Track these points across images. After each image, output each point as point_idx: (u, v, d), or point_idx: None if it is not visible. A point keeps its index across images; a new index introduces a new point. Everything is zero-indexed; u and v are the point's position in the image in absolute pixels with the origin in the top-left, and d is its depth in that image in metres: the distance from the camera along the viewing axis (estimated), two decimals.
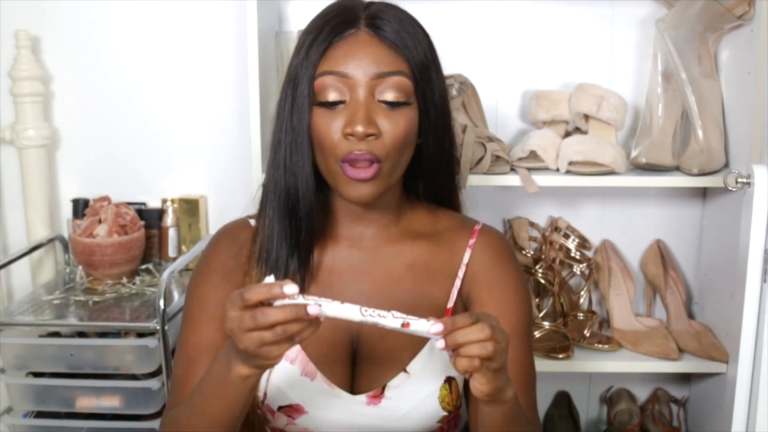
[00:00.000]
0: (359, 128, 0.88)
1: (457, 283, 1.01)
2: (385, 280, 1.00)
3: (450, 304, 1.01)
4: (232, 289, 0.99)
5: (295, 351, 0.98)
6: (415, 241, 1.02)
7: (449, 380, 0.97)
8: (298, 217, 0.95)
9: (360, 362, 0.98)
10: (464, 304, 1.02)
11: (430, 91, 0.95)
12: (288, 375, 0.97)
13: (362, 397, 0.96)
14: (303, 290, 0.99)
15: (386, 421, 0.96)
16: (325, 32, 0.91)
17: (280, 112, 0.95)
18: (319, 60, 0.91)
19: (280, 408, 0.98)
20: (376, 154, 0.90)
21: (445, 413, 0.97)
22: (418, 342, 0.97)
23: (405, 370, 0.96)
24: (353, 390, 0.98)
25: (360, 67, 0.90)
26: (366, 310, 0.78)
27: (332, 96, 0.90)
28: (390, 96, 0.91)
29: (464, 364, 0.75)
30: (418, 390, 0.96)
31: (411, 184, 1.03)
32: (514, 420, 0.85)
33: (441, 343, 0.76)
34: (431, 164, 1.00)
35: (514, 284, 1.01)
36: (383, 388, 0.96)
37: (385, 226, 1.01)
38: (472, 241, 1.02)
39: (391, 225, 1.02)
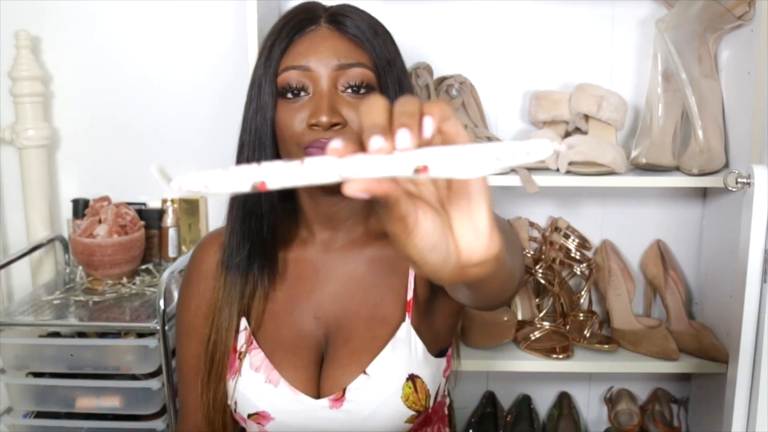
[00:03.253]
0: (323, 118, 0.88)
1: (411, 271, 1.01)
2: (350, 281, 1.01)
3: (409, 296, 1.00)
4: (208, 296, 1.03)
5: (260, 359, 0.99)
6: (379, 240, 1.02)
7: (412, 378, 0.96)
8: (259, 214, 0.96)
9: (325, 366, 0.99)
10: (424, 288, 1.01)
11: (396, 86, 0.95)
12: (253, 383, 0.98)
13: (324, 401, 0.96)
14: (270, 291, 1.01)
15: (350, 425, 0.96)
16: (286, 30, 0.92)
17: (245, 116, 0.96)
18: (281, 57, 0.92)
19: (249, 416, 0.99)
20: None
21: (413, 413, 0.96)
22: (379, 343, 0.97)
23: (365, 372, 0.96)
24: (320, 395, 0.98)
25: (321, 60, 0.90)
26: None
27: (294, 85, 0.91)
28: (353, 84, 0.91)
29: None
30: (378, 391, 0.95)
31: None
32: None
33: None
34: None
35: None
36: (344, 391, 0.96)
37: (352, 228, 1.02)
38: None
39: (358, 226, 1.02)
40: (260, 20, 1.46)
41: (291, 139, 0.91)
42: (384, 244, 1.01)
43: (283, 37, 0.92)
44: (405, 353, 0.97)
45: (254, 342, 1.00)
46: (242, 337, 1.01)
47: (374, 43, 0.93)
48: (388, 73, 0.94)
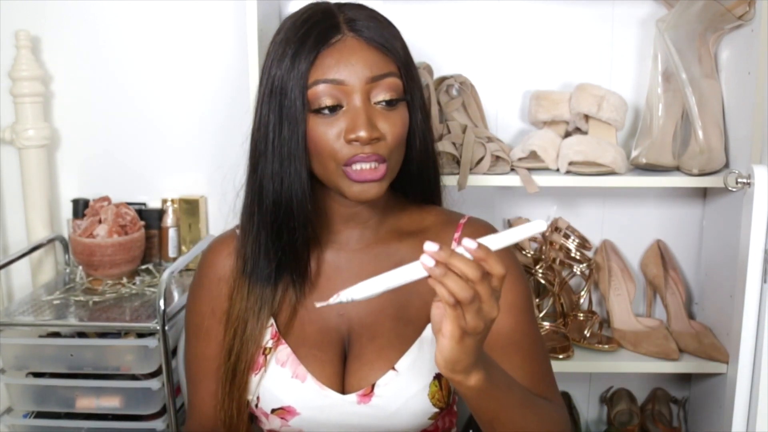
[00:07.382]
0: (363, 133, 0.88)
1: None
2: None
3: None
4: (223, 301, 1.02)
5: (286, 354, 0.99)
6: (401, 240, 1.02)
7: (438, 377, 0.98)
8: (291, 227, 0.95)
9: (350, 362, 0.99)
10: None
11: (416, 87, 0.96)
12: (279, 378, 0.99)
13: (352, 397, 0.97)
14: (301, 297, 1.01)
15: (377, 420, 0.97)
16: (311, 41, 0.90)
17: (262, 124, 0.94)
18: (309, 69, 0.90)
19: (273, 410, 0.99)
20: (382, 154, 0.90)
21: (437, 410, 0.98)
22: (407, 340, 0.98)
23: (393, 368, 0.97)
24: (345, 390, 0.98)
25: (354, 73, 0.90)
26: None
27: (329, 103, 0.90)
28: (386, 97, 0.91)
29: (441, 290, 0.74)
30: (407, 387, 0.96)
31: (396, 183, 1.02)
32: (499, 408, 0.83)
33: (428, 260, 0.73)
34: (418, 160, 1.00)
35: (506, 264, 1.00)
36: (372, 387, 0.97)
37: (373, 227, 1.02)
38: (457, 235, 1.02)
39: (379, 226, 1.02)
40: (260, 21, 1.45)
41: (328, 155, 0.91)
42: (410, 247, 1.01)
43: (309, 48, 0.90)
44: (431, 353, 0.97)
45: (280, 338, 1.00)
46: (268, 333, 1.01)
47: (397, 48, 0.94)
48: (409, 75, 0.95)
